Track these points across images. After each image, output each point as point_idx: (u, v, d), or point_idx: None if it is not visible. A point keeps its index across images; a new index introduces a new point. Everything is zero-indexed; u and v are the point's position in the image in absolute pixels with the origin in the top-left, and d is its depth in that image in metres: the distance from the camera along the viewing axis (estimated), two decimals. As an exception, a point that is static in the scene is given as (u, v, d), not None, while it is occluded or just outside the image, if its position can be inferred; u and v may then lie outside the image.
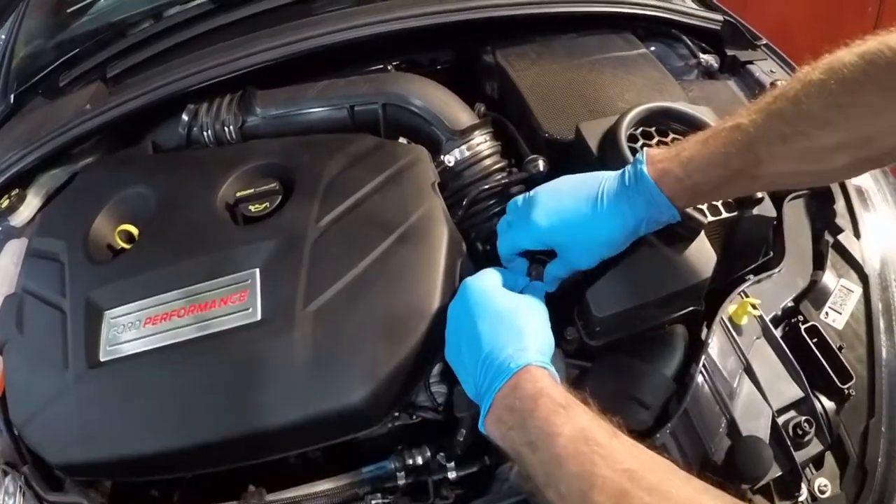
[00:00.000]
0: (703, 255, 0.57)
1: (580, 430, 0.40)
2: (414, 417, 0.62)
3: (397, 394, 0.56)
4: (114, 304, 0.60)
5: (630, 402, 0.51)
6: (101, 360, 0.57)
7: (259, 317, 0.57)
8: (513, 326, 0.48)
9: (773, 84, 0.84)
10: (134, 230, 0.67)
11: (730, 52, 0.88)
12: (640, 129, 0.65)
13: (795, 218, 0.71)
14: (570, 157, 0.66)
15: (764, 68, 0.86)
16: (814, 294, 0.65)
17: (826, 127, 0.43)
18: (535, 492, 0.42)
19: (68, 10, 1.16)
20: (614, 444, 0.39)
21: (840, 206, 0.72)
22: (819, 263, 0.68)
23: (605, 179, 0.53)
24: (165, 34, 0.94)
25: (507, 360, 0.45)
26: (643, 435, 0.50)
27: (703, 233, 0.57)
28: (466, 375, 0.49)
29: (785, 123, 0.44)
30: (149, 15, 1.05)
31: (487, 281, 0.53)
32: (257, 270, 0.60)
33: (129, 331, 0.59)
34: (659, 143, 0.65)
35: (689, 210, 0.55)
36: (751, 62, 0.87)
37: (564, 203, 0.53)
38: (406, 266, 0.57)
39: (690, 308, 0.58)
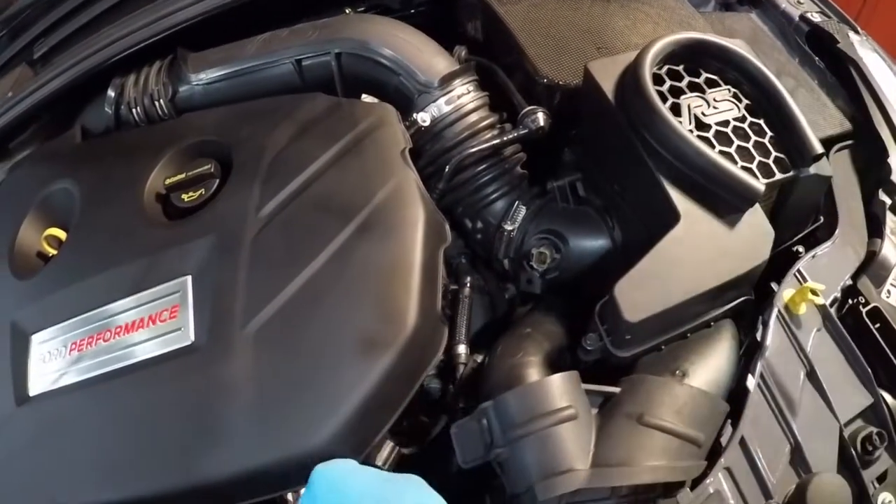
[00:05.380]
0: (758, 230, 0.38)
1: None
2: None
3: (372, 428, 0.38)
4: (39, 327, 0.45)
5: (676, 441, 0.33)
6: (30, 394, 0.43)
7: (191, 339, 0.39)
8: None
9: (802, 18, 0.62)
10: (62, 234, 0.51)
11: (751, -19, 0.66)
12: (666, 67, 0.44)
13: (843, 174, 0.52)
14: (579, 107, 0.46)
15: (790, -2, 0.64)
16: (873, 268, 0.47)
17: None
18: None
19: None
20: None
21: (895, 159, 0.52)
22: (875, 230, 0.49)
23: None
24: (91, 2, 0.71)
25: None
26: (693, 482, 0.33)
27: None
28: None
29: None
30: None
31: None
32: (189, 278, 0.42)
33: (56, 359, 0.44)
34: (690, 84, 0.44)
35: (740, 171, 0.36)
36: (775, -9, 0.64)
37: None
38: (371, 263, 0.38)
39: (742, 299, 0.39)
